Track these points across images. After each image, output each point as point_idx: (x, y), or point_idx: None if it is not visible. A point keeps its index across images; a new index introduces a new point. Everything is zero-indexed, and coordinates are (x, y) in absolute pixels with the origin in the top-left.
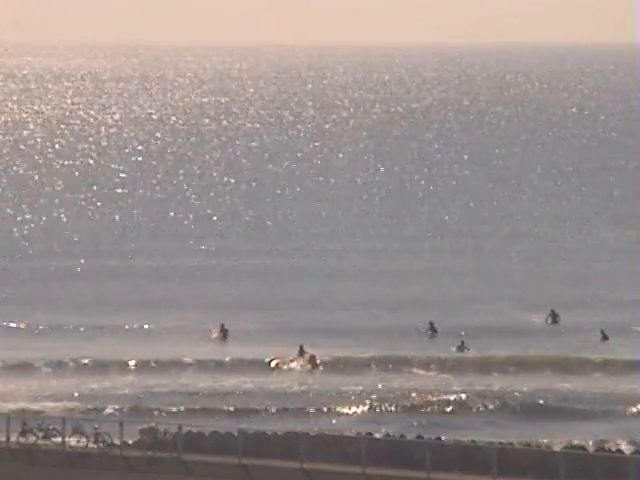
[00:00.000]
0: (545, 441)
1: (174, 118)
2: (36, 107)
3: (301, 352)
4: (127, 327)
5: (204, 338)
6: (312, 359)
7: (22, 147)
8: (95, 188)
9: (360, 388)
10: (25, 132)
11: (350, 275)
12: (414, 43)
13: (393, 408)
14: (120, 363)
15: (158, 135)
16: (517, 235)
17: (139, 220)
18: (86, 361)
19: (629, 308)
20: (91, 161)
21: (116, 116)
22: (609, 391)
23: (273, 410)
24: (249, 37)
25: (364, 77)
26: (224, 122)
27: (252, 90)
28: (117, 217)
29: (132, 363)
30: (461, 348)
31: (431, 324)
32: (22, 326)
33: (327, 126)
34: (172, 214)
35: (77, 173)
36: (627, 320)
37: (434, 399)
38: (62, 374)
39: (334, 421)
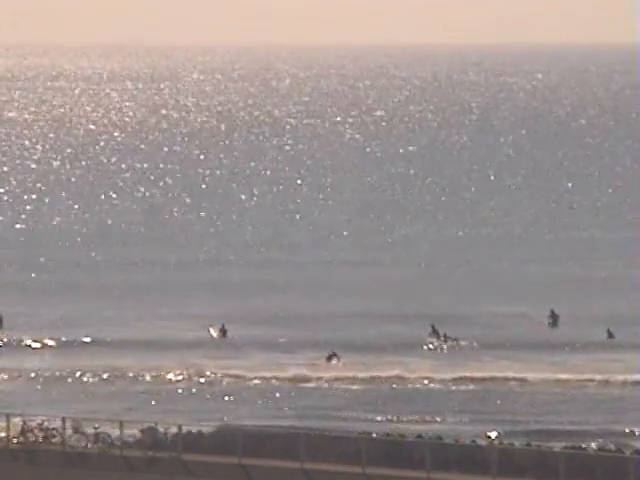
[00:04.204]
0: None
1: (174, 119)
2: (36, 107)
3: (330, 357)
4: (128, 336)
5: (205, 338)
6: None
7: (22, 147)
8: (96, 191)
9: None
10: (25, 132)
11: (349, 285)
12: (414, 43)
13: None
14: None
15: (156, 136)
16: (517, 237)
17: (137, 226)
18: (102, 372)
19: (629, 308)
20: (88, 162)
21: (116, 116)
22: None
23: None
24: (248, 37)
25: (363, 77)
26: (223, 124)
27: (251, 91)
28: (117, 224)
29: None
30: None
31: (432, 327)
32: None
33: (326, 128)
34: (173, 221)
35: (78, 174)
36: (628, 319)
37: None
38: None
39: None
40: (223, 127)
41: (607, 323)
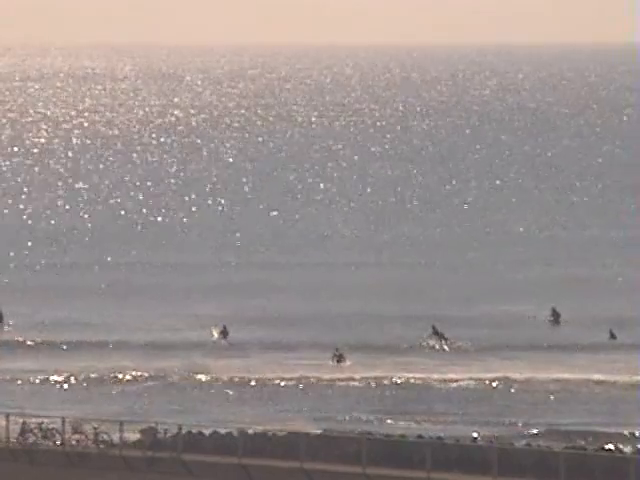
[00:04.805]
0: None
1: (175, 119)
2: (36, 107)
3: (339, 358)
4: (131, 341)
5: (206, 339)
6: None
7: (22, 147)
8: (96, 191)
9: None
10: (25, 132)
11: (350, 286)
12: (414, 43)
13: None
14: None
15: (156, 136)
16: (517, 237)
17: (138, 226)
18: (113, 374)
19: (632, 309)
20: (83, 161)
21: (116, 116)
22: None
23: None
24: (248, 37)
25: (363, 78)
26: (223, 124)
27: (250, 92)
28: (117, 224)
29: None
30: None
31: (434, 327)
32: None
33: (327, 128)
34: (173, 221)
35: (78, 174)
36: (630, 320)
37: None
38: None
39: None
40: (223, 127)
41: (609, 324)
